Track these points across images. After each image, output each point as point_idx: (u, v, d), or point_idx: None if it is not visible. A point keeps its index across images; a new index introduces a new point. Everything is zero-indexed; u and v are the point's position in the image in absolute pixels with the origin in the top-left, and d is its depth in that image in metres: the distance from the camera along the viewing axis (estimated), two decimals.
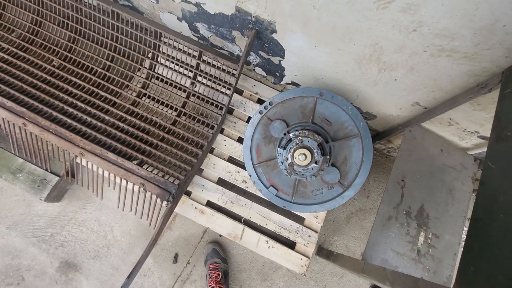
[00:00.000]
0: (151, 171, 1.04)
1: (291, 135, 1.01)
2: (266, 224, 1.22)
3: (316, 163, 0.98)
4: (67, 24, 1.25)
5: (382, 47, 0.90)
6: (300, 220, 1.25)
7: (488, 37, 0.72)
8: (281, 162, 1.04)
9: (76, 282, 1.20)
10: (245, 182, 1.27)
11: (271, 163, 1.16)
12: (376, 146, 1.53)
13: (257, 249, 1.19)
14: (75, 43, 1.27)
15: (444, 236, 1.05)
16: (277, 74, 1.32)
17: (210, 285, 1.15)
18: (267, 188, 1.16)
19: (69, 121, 1.10)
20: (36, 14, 1.27)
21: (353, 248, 1.37)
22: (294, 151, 0.99)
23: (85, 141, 1.05)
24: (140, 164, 1.06)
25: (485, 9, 0.66)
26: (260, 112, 1.15)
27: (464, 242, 0.58)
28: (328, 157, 1.01)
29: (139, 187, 1.07)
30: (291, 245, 1.22)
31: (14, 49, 1.22)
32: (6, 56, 1.20)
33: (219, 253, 1.26)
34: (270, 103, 1.14)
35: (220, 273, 1.17)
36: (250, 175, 1.16)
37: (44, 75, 1.18)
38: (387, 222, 1.01)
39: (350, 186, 1.09)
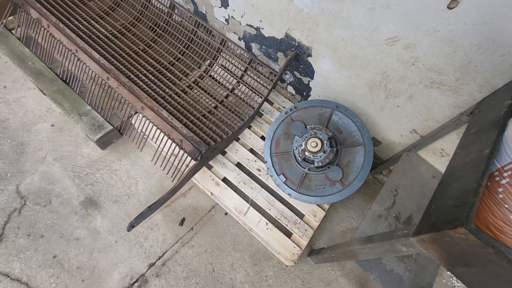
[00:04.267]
0: (191, 132, 1.29)
1: (308, 127, 1.25)
2: (269, 209, 1.36)
3: (324, 152, 1.19)
4: (154, 29, 1.70)
5: (389, 75, 1.20)
6: (300, 215, 1.38)
7: (465, 73, 1.00)
8: (296, 147, 1.26)
9: (92, 218, 1.35)
10: (259, 170, 1.47)
11: (285, 155, 1.37)
12: (379, 178, 1.70)
13: (256, 227, 1.31)
14: (158, 37, 1.69)
15: None
16: (304, 93, 1.63)
17: None
18: (278, 175, 1.34)
19: (140, 83, 1.42)
20: (134, 17, 1.74)
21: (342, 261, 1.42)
22: (308, 139, 1.21)
23: (149, 98, 1.35)
24: (184, 124, 1.32)
25: (461, 52, 0.96)
26: (286, 113, 1.42)
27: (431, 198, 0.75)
28: (335, 148, 1.22)
29: (176, 144, 1.30)
30: (287, 234, 1.32)
31: (116, 32, 1.65)
32: (109, 34, 1.62)
33: None
34: (295, 107, 1.42)
35: None
36: (266, 162, 1.37)
37: (131, 52, 1.57)
38: (377, 218, 1.14)
39: (349, 185, 1.26)
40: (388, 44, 1.11)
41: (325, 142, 1.20)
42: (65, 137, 1.54)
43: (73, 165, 1.46)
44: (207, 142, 1.31)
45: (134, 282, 1.23)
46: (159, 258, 1.29)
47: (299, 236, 1.31)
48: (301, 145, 1.24)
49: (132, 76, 1.43)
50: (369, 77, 1.26)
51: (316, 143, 1.19)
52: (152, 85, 1.45)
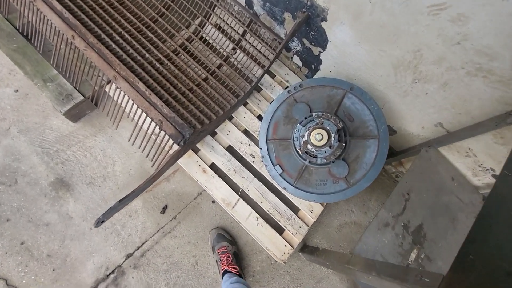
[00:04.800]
0: (172, 111, 1.07)
1: (314, 114, 1.04)
2: (261, 202, 1.22)
3: (330, 147, 1.00)
4: None
5: (422, 55, 0.94)
6: (295, 209, 1.23)
7: None
8: (297, 138, 1.06)
9: (64, 201, 1.21)
10: (253, 156, 1.29)
11: (284, 143, 1.17)
12: (386, 168, 1.53)
13: (245, 222, 1.18)
14: None
15: (436, 261, 1.02)
16: (313, 66, 1.37)
17: (223, 269, 1.12)
18: (274, 166, 1.16)
19: (113, 45, 1.16)
20: None
21: None
22: (313, 130, 1.01)
23: (122, 66, 1.10)
24: (164, 102, 1.10)
25: None
26: (289, 92, 1.19)
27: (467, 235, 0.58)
28: (344, 144, 1.02)
29: (156, 124, 1.10)
30: (279, 230, 1.20)
31: None
32: None
33: (225, 237, 1.23)
34: (300, 85, 1.18)
35: (230, 255, 1.15)
36: (261, 148, 1.18)
37: (103, 3, 1.27)
38: (383, 227, 0.99)
39: (354, 184, 1.09)
40: (430, 13, 0.83)
41: (332, 135, 0.99)
42: (31, 106, 1.33)
43: (41, 139, 1.28)
44: (193, 124, 1.11)
45: (110, 274, 1.14)
46: (138, 249, 1.18)
47: (292, 233, 1.18)
48: (303, 136, 1.03)
49: (103, 35, 1.16)
50: (397, 55, 1.00)
51: (322, 135, 0.98)
52: (128, 48, 1.19)
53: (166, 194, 1.28)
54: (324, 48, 1.22)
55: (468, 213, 1.12)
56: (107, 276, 1.13)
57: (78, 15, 1.18)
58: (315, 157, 1.03)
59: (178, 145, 1.08)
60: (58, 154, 1.26)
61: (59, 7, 1.16)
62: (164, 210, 1.25)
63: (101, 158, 1.28)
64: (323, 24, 1.13)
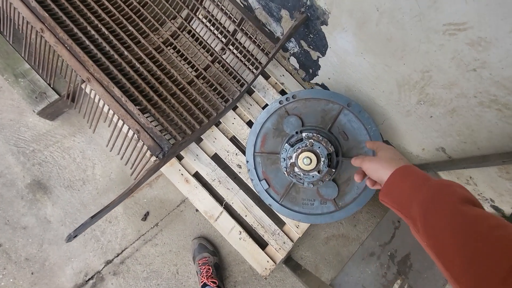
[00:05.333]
0: (151, 122, 0.98)
1: (303, 134, 0.95)
2: (246, 216, 1.17)
3: (319, 172, 0.92)
4: None
5: (431, 77, 0.82)
6: (280, 223, 1.19)
7: None
8: (284, 158, 0.98)
9: (41, 204, 1.17)
10: (240, 167, 1.22)
11: (272, 157, 1.10)
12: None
13: (228, 236, 1.14)
14: None
15: None
16: (310, 71, 1.24)
17: (202, 281, 1.10)
18: (260, 180, 1.10)
19: (87, 42, 1.04)
20: None
21: (322, 270, 1.31)
22: (301, 152, 0.92)
23: (96, 67, 0.99)
24: (142, 110, 1.01)
25: None
26: (280, 102, 1.08)
27: None
28: (333, 170, 0.94)
29: (134, 133, 1.02)
30: (262, 245, 1.16)
31: None
32: None
33: (207, 247, 1.20)
34: (293, 96, 1.07)
35: (210, 267, 1.12)
36: (247, 162, 1.11)
37: None
38: (368, 257, 0.95)
39: (343, 208, 1.03)
40: (446, 32, 0.71)
41: (322, 159, 0.91)
42: (5, 101, 1.24)
43: (17, 137, 1.21)
44: (173, 135, 1.02)
45: (89, 279, 1.13)
46: (118, 256, 1.17)
47: (275, 249, 1.15)
48: (290, 157, 0.95)
49: (75, 30, 1.04)
50: (403, 72, 0.88)
51: (311, 160, 0.90)
52: (104, 45, 1.07)
53: (148, 200, 1.24)
54: (323, 54, 1.09)
55: None
56: (86, 281, 1.13)
57: (47, 5, 1.05)
58: (301, 180, 0.96)
59: (157, 157, 1.01)
60: (34, 154, 1.20)
61: None
62: (145, 217, 1.21)
63: (80, 160, 1.22)
64: (323, 28, 0.99)
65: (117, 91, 0.99)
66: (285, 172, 0.99)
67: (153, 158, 1.06)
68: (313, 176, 0.93)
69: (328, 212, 1.04)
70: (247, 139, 1.22)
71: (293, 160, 0.94)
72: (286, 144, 0.98)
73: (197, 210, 1.27)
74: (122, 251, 1.17)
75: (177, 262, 1.20)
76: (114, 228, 1.19)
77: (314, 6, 0.96)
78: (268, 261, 1.14)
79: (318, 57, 1.13)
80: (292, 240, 1.18)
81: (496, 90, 0.71)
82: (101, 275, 1.14)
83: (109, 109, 1.12)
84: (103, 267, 1.15)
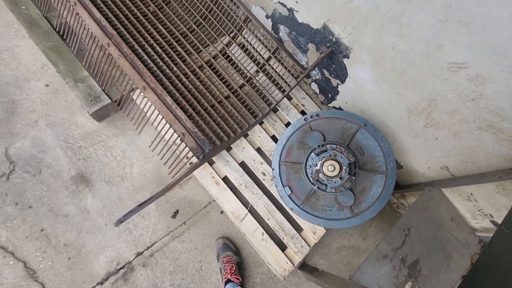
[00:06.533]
0: (195, 126, 1.14)
1: (328, 146, 1.10)
2: (268, 219, 1.28)
3: (341, 178, 1.06)
4: None
5: (437, 104, 1.00)
6: (298, 229, 1.30)
7: None
8: (309, 165, 1.12)
9: (83, 195, 1.28)
10: (264, 174, 1.35)
11: (295, 166, 1.24)
12: (389, 198, 1.59)
13: (251, 236, 1.24)
14: (173, 0, 1.43)
15: None
16: (329, 95, 1.43)
17: (226, 277, 1.19)
18: (283, 187, 1.23)
19: (145, 56, 1.22)
20: None
21: None
22: (326, 161, 1.07)
23: (152, 78, 1.17)
24: (188, 117, 1.16)
25: None
26: (305, 119, 1.25)
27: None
28: (353, 177, 1.08)
29: (178, 136, 1.17)
30: (282, 247, 1.26)
31: None
32: None
33: (230, 247, 1.30)
34: (317, 115, 1.24)
35: (233, 265, 1.22)
36: (273, 169, 1.24)
37: (138, 14, 1.33)
38: (382, 259, 1.06)
39: (359, 214, 1.15)
40: (449, 69, 0.89)
41: (344, 167, 1.05)
42: (59, 101, 1.40)
43: (66, 134, 1.35)
44: (213, 140, 1.17)
45: (120, 268, 1.21)
46: (148, 248, 1.26)
47: (294, 252, 1.25)
48: (316, 165, 1.10)
49: (136, 46, 1.23)
50: (412, 100, 1.06)
51: (334, 167, 1.05)
52: (158, 60, 1.25)
53: (178, 200, 1.35)
54: (342, 81, 1.28)
55: (462, 254, 1.17)
56: (117, 270, 1.21)
57: (115, 24, 1.25)
58: (325, 185, 1.10)
59: (198, 158, 1.15)
60: (81, 150, 1.34)
61: (98, 14, 1.23)
62: (175, 214, 1.32)
63: (120, 159, 1.36)
64: (345, 60, 1.19)
65: (168, 99, 1.16)
66: (310, 178, 1.13)
67: (187, 161, 1.20)
68: (335, 182, 1.07)
69: (345, 218, 1.16)
70: (271, 151, 1.37)
71: (318, 167, 1.09)
72: (312, 153, 1.13)
73: (221, 212, 1.38)
74: (152, 245, 1.27)
75: (201, 259, 1.29)
76: (146, 223, 1.30)
77: (339, 42, 1.16)
78: (287, 263, 1.23)
79: (338, 84, 1.32)
80: (309, 245, 1.28)
81: (492, 117, 0.88)
82: (132, 266, 1.23)
83: (156, 116, 1.28)
84: (134, 258, 1.24)
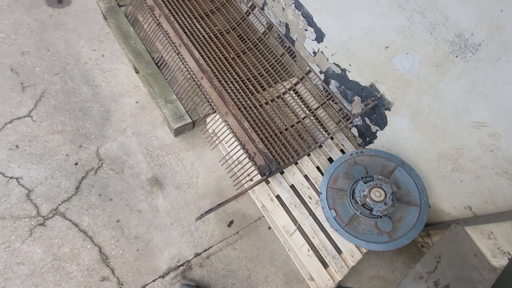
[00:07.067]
0: (266, 148, 1.40)
1: (374, 176, 1.35)
2: (313, 237, 1.45)
3: (385, 204, 1.28)
4: (245, 41, 1.85)
5: (463, 152, 1.28)
6: (338, 251, 1.46)
7: None
8: (358, 191, 1.35)
9: (155, 195, 1.48)
10: (310, 198, 1.56)
11: (340, 193, 1.47)
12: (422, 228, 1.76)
13: (299, 251, 1.40)
14: (248, 49, 1.84)
15: None
16: (367, 139, 1.73)
17: None
18: (330, 209, 1.44)
19: (229, 89, 1.56)
20: (231, 26, 1.90)
21: None
22: (373, 188, 1.30)
23: (234, 106, 1.48)
24: (261, 139, 1.44)
25: None
26: (351, 155, 1.52)
27: None
28: (395, 204, 1.30)
29: (249, 155, 1.42)
30: (324, 264, 1.41)
31: (212, 35, 1.81)
32: (207, 36, 1.78)
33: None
34: (361, 152, 1.51)
35: None
36: (321, 193, 1.47)
37: (223, 58, 1.72)
38: (418, 279, 1.21)
39: (396, 240, 1.34)
40: (473, 126, 1.19)
41: (388, 195, 1.29)
42: (145, 116, 1.69)
43: (148, 143, 1.61)
44: (278, 161, 1.43)
45: (180, 266, 1.34)
46: (205, 251, 1.40)
47: (335, 270, 1.39)
48: (364, 191, 1.33)
49: (223, 81, 1.58)
50: (442, 148, 1.34)
51: (380, 193, 1.28)
52: (237, 93, 1.58)
53: (233, 211, 1.54)
54: (381, 129, 1.59)
55: (486, 287, 1.32)
56: (178, 267, 1.33)
57: (208, 63, 1.62)
58: (371, 209, 1.31)
59: (264, 175, 1.39)
60: (158, 158, 1.58)
61: (197, 55, 1.60)
62: (230, 224, 1.50)
63: (189, 169, 1.59)
64: (387, 112, 1.51)
65: (246, 124, 1.45)
66: (355, 203, 1.35)
67: (250, 178, 1.43)
68: (380, 207, 1.29)
69: (384, 242, 1.34)
70: (316, 179, 1.61)
71: (366, 193, 1.32)
72: (361, 181, 1.37)
73: (269, 228, 1.55)
74: (209, 248, 1.41)
75: (250, 268, 1.42)
76: (206, 227, 1.46)
77: (383, 97, 1.50)
78: (329, 279, 1.37)
79: (377, 130, 1.63)
80: (347, 266, 1.43)
81: (507, 165, 1.15)
82: (190, 264, 1.35)
83: (226, 136, 1.56)
84: (193, 258, 1.37)
